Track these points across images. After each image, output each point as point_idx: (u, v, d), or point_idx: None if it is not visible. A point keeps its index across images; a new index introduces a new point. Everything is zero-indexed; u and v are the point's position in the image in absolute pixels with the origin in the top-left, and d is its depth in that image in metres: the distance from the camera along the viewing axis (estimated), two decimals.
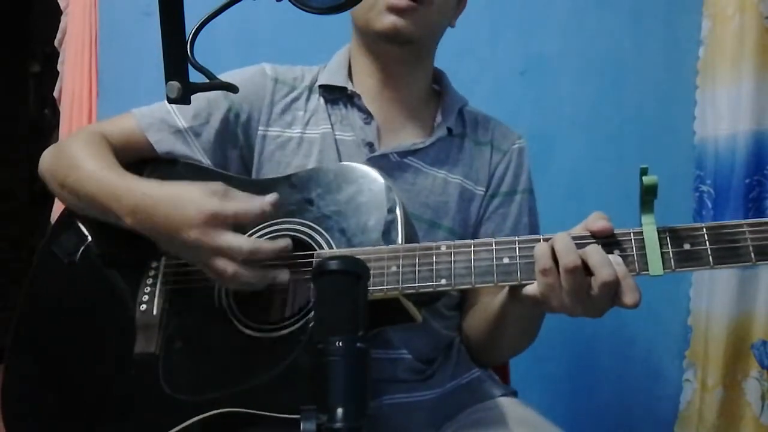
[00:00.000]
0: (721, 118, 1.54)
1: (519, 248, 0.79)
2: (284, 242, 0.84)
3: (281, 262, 0.85)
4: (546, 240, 0.77)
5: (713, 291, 1.53)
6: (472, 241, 0.81)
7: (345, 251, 0.84)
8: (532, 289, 0.77)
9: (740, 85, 1.51)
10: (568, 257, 0.73)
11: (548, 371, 1.57)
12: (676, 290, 1.60)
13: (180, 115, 0.99)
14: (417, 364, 0.96)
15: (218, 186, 0.84)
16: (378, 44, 1.01)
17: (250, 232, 0.90)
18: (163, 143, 0.98)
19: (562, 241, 0.75)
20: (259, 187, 0.94)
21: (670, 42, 1.62)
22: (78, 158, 0.93)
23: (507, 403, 0.97)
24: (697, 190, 1.59)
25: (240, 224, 0.83)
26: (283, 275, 0.84)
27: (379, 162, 0.99)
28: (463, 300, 1.06)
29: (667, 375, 1.62)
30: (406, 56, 1.02)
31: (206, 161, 0.99)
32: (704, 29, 1.59)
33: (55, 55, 1.75)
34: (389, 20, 0.95)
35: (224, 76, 1.01)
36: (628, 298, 0.73)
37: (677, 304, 1.60)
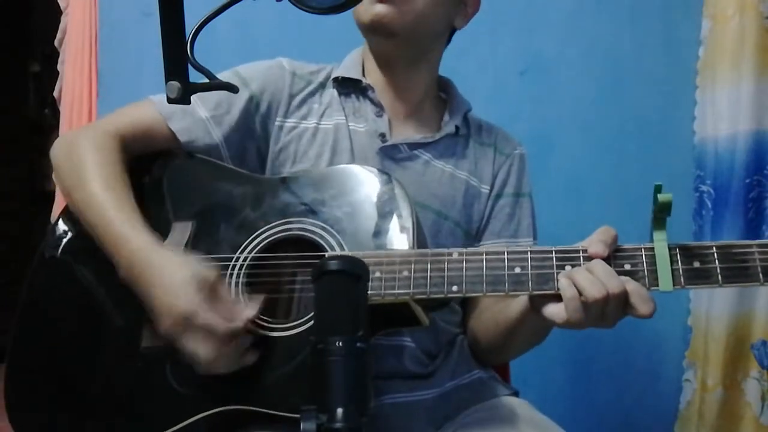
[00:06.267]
0: (721, 118, 1.54)
1: (531, 258, 0.78)
2: (247, 340, 0.82)
3: (292, 263, 0.85)
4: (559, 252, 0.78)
5: (713, 291, 1.52)
6: (483, 249, 0.81)
7: (356, 254, 0.83)
8: (556, 312, 0.77)
9: (740, 85, 1.51)
10: (612, 282, 0.73)
11: (548, 371, 1.57)
12: (676, 290, 1.60)
13: (202, 105, 0.99)
14: (420, 354, 0.96)
15: (209, 277, 0.80)
16: (369, 39, 1.03)
17: (263, 228, 0.89)
18: (186, 132, 0.98)
19: (601, 265, 0.75)
20: (273, 186, 0.94)
21: (670, 42, 1.62)
22: (86, 173, 0.91)
23: (510, 403, 0.98)
24: (696, 190, 1.58)
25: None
26: (250, 359, 0.82)
27: (390, 152, 1.01)
28: (467, 300, 1.06)
29: (667, 375, 1.62)
30: (397, 52, 1.02)
31: (224, 152, 0.99)
32: (704, 29, 1.59)
33: (55, 55, 1.75)
34: (374, 10, 0.95)
35: (243, 68, 1.03)
36: (643, 309, 0.74)
37: (677, 304, 1.60)
